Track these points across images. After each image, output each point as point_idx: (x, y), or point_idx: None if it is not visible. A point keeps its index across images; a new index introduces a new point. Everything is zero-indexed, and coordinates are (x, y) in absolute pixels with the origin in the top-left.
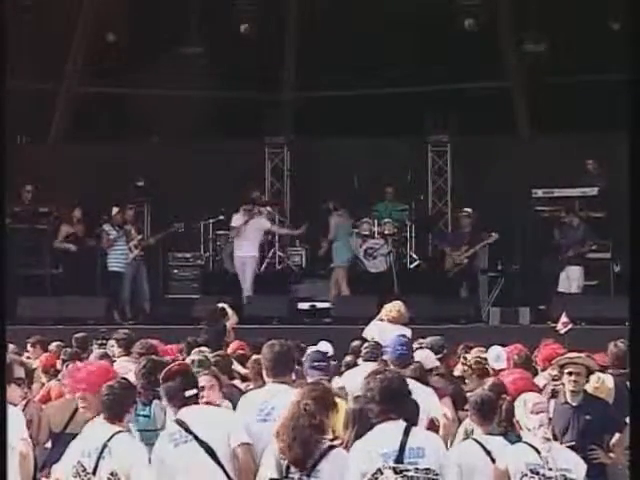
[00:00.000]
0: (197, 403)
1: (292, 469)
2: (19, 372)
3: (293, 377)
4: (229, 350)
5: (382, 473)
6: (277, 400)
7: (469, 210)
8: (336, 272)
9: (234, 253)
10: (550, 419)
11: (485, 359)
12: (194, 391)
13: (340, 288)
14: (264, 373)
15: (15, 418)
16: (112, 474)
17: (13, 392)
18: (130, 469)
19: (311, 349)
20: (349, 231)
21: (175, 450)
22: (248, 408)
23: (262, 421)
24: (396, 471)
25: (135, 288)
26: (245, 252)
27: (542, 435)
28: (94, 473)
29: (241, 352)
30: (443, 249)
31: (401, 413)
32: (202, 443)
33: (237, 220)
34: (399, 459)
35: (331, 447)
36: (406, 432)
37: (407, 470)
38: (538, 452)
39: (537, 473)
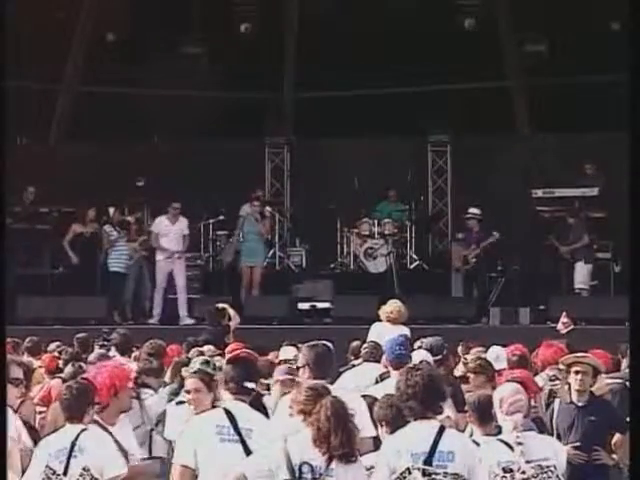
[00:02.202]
0: (246, 397)
1: (304, 469)
2: (16, 372)
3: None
4: (227, 351)
5: (410, 473)
6: None
7: (476, 211)
8: (244, 271)
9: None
10: (525, 417)
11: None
12: (251, 385)
13: (250, 288)
14: (304, 374)
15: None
16: (84, 469)
17: (9, 393)
18: (103, 464)
19: None
20: (257, 234)
21: (221, 445)
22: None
23: None
24: (425, 473)
25: (138, 288)
26: None
27: (514, 440)
28: (65, 474)
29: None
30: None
31: (438, 412)
32: (248, 450)
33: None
34: (428, 461)
35: None
36: (439, 433)
37: (436, 473)
38: (512, 448)
39: (510, 471)
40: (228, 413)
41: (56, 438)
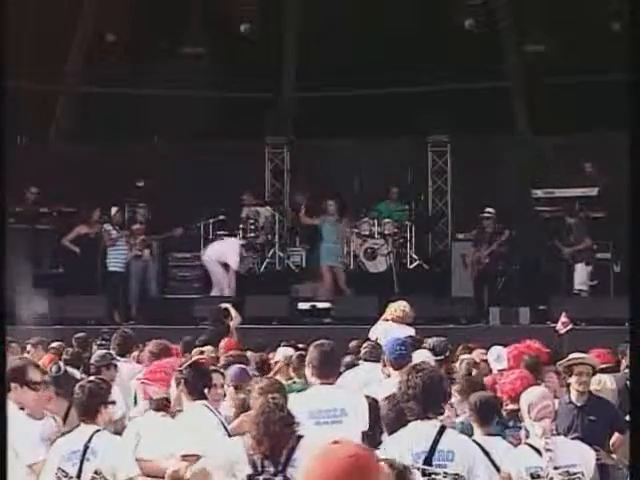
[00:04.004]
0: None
1: (266, 463)
2: (34, 376)
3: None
4: (220, 347)
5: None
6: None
7: (491, 210)
8: (325, 271)
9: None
10: (554, 421)
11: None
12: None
13: (336, 288)
14: (308, 373)
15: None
16: (96, 472)
17: (25, 395)
18: (115, 466)
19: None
20: (336, 235)
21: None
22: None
23: (316, 425)
24: (425, 473)
25: (140, 288)
26: None
27: (544, 445)
28: (78, 477)
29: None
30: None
31: (439, 413)
32: None
33: None
34: (428, 460)
35: (300, 437)
36: (440, 433)
37: (436, 473)
38: (540, 453)
39: (538, 477)
40: (207, 407)
41: (69, 440)
